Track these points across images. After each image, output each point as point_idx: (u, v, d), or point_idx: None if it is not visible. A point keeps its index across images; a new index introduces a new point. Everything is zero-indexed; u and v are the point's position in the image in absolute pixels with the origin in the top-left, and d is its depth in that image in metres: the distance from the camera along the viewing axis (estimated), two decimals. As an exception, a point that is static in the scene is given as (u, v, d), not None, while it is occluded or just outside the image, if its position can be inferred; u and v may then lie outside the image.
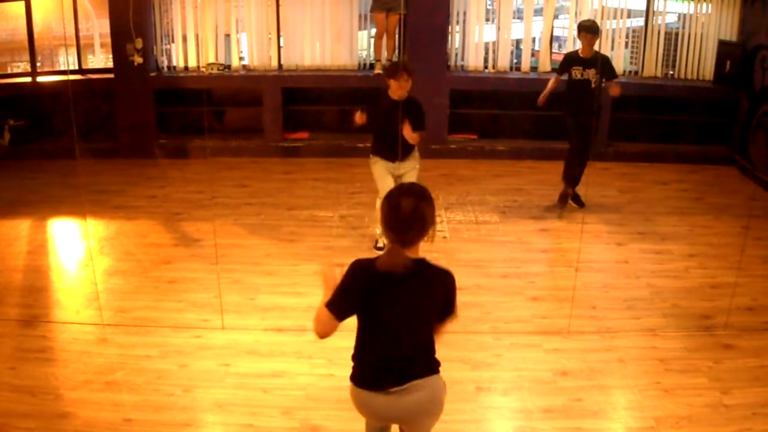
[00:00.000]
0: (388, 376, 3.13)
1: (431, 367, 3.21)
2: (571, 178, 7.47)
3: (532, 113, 9.36)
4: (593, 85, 7.14)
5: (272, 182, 8.50)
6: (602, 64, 7.15)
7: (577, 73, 7.17)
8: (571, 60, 7.28)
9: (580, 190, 7.53)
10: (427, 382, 3.17)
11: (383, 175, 6.29)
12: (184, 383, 4.67)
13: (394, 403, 3.15)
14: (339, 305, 3.06)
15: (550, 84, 7.40)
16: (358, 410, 3.29)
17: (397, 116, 5.95)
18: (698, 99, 9.25)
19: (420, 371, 3.16)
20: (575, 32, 9.12)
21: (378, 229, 5.03)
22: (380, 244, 6.38)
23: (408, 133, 6.03)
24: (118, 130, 9.34)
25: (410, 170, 6.33)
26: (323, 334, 3.11)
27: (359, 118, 6.22)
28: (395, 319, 3.09)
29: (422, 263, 3.10)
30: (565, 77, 7.37)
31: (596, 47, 7.31)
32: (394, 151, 6.09)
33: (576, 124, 7.30)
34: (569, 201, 7.58)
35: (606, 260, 6.57)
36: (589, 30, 7.17)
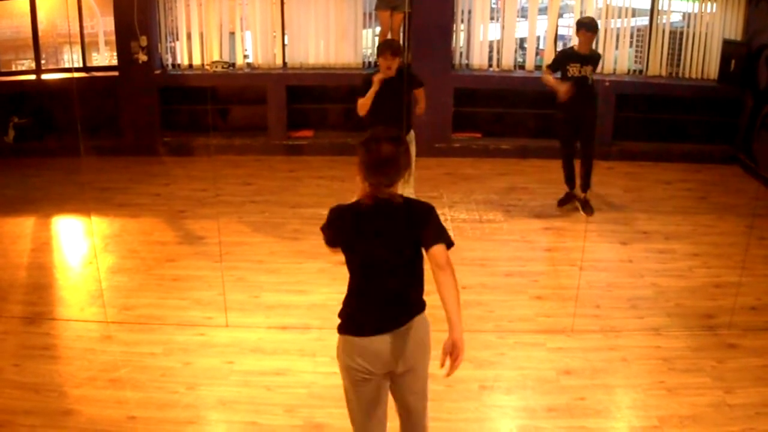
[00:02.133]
0: (386, 317, 3.25)
1: (419, 304, 3.35)
2: (570, 177, 7.47)
3: (537, 112, 9.39)
4: (590, 82, 7.12)
5: (276, 180, 8.50)
6: (596, 59, 7.22)
7: (574, 70, 7.07)
8: (567, 56, 7.21)
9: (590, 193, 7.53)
10: (419, 320, 3.32)
11: None
12: (188, 381, 4.68)
13: (393, 344, 3.24)
14: (329, 238, 3.33)
15: (547, 77, 7.26)
16: (349, 363, 3.28)
17: (391, 94, 6.16)
18: (703, 98, 9.23)
19: (412, 310, 3.31)
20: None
21: None
22: None
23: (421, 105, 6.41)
24: (123, 127, 9.35)
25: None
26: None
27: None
28: (381, 257, 3.21)
29: (401, 198, 3.23)
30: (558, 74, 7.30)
31: (594, 45, 7.28)
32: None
33: (567, 123, 7.23)
34: (581, 208, 7.50)
35: (610, 259, 6.56)
36: (588, 27, 7.09)
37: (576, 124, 7.21)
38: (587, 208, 7.43)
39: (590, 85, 7.13)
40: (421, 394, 3.49)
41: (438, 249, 3.16)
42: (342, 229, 3.26)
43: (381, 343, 3.24)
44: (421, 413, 3.52)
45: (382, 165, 3.14)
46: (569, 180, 7.49)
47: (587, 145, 7.34)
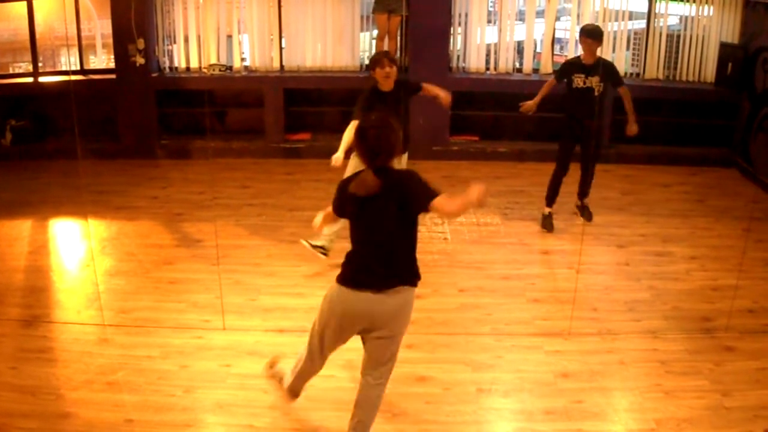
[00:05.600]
0: (367, 279, 3.65)
1: (409, 278, 3.73)
2: (553, 195, 7.18)
3: (534, 115, 9.33)
4: (596, 94, 6.77)
5: (274, 183, 8.50)
6: (606, 70, 6.80)
7: (578, 81, 6.78)
8: (572, 66, 6.89)
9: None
10: (404, 291, 3.70)
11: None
12: (185, 384, 4.67)
13: (373, 304, 3.65)
14: (336, 207, 3.88)
15: (544, 89, 7.01)
16: (330, 310, 3.76)
17: (391, 107, 5.98)
18: (700, 101, 9.25)
19: (399, 279, 3.68)
20: (577, 34, 9.13)
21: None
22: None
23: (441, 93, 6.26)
24: (120, 130, 9.35)
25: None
26: (324, 220, 4.05)
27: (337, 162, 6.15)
28: (372, 226, 3.67)
29: (389, 174, 3.63)
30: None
31: (597, 51, 6.87)
32: None
33: (571, 137, 6.97)
34: (579, 214, 7.36)
35: (607, 262, 6.56)
36: (589, 35, 6.71)
37: (577, 137, 6.98)
38: (586, 214, 7.34)
39: (595, 97, 6.76)
40: (383, 359, 3.81)
41: (436, 203, 3.53)
42: (346, 201, 3.73)
43: (360, 298, 3.65)
44: (382, 377, 3.84)
45: (373, 148, 3.61)
46: (552, 198, 7.18)
47: (588, 155, 7.13)
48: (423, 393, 4.55)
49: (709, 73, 9.32)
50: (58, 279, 6.26)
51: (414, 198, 3.59)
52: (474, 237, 7.04)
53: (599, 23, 9.18)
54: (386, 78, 6.06)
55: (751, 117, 8.75)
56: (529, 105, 7.08)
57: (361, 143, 3.67)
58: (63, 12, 9.22)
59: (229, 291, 5.80)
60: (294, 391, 4.21)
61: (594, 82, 6.76)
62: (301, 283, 6.04)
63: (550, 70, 9.42)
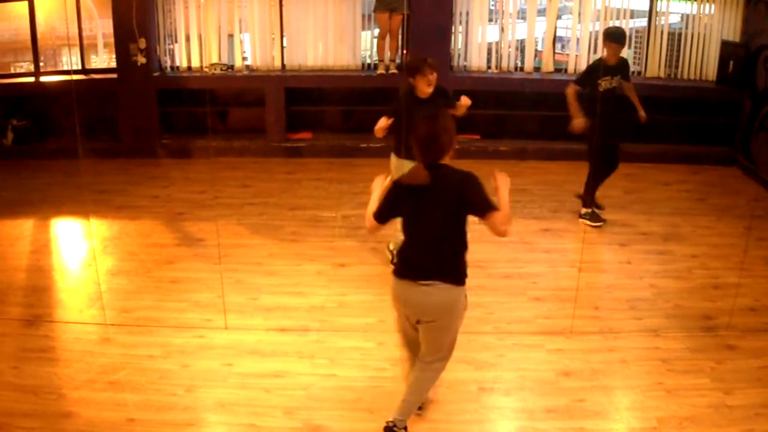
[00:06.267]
0: (415, 270, 3.82)
1: (455, 277, 3.85)
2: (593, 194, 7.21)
3: (536, 114, 9.40)
4: (618, 92, 6.86)
5: (275, 182, 8.50)
6: (622, 66, 6.89)
7: (605, 83, 6.78)
8: (597, 69, 6.83)
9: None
10: (449, 289, 3.82)
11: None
12: (186, 383, 4.68)
13: (417, 295, 3.83)
14: (379, 212, 3.94)
15: (573, 99, 6.82)
16: (393, 301, 4.00)
17: (422, 112, 5.82)
18: (701, 99, 9.24)
19: (443, 275, 3.81)
20: (579, 33, 9.13)
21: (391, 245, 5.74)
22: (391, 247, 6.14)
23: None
24: (121, 129, 9.35)
25: None
26: (371, 230, 4.06)
27: (384, 123, 5.73)
28: (420, 220, 3.82)
29: (445, 171, 3.78)
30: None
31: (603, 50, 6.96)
32: None
33: (604, 138, 6.79)
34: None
35: (609, 261, 6.56)
36: (614, 39, 6.80)
37: (607, 135, 6.85)
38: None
39: (619, 95, 6.89)
40: (436, 346, 3.99)
41: (495, 217, 3.76)
42: (400, 197, 3.86)
43: (405, 288, 3.86)
44: (434, 363, 4.03)
45: (425, 145, 3.75)
46: (592, 197, 7.22)
47: (617, 151, 7.13)
48: (424, 392, 4.55)
49: (711, 71, 9.30)
50: (60, 278, 6.27)
51: (472, 203, 3.76)
52: (475, 235, 6.97)
53: (600, 22, 9.20)
54: (428, 86, 5.73)
55: (752, 115, 8.74)
56: (579, 122, 6.82)
57: (414, 139, 3.81)
58: (64, 11, 9.22)
59: (231, 290, 5.80)
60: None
61: (617, 81, 6.89)
62: (302, 282, 6.04)
63: (551, 68, 9.42)
